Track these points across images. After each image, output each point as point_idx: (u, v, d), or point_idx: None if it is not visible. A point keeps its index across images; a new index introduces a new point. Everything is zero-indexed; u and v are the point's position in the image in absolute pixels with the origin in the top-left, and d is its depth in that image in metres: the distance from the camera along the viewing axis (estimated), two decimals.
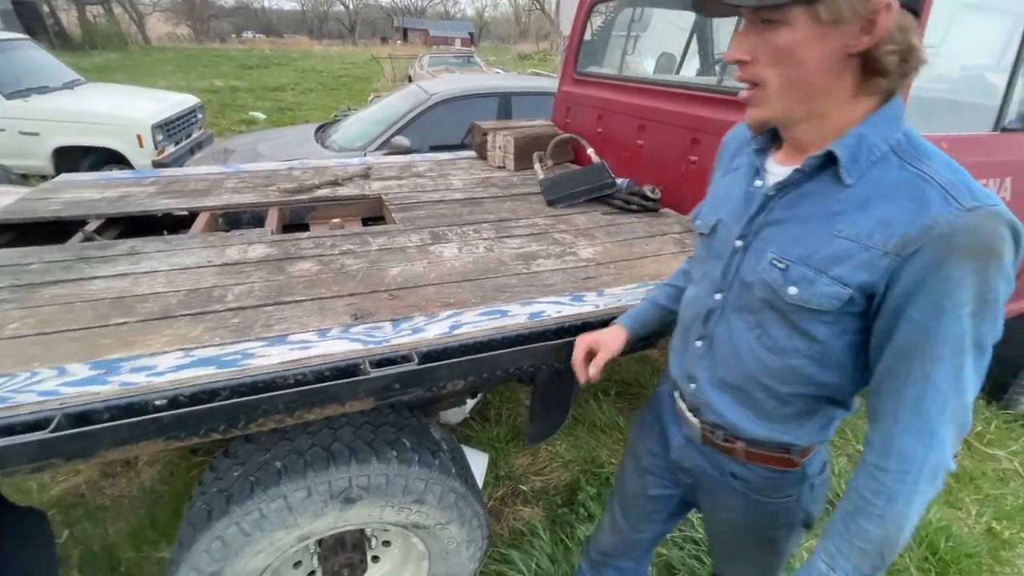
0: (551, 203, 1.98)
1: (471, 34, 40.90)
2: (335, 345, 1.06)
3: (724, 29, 2.43)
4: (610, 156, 2.22)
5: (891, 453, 0.67)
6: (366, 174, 2.36)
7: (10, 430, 0.84)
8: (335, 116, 5.40)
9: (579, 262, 1.53)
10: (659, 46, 2.84)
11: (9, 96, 4.80)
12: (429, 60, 11.88)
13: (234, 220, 1.96)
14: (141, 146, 4.96)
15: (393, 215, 1.88)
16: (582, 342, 1.06)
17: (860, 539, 0.69)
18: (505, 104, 4.01)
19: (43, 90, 5.16)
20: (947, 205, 0.62)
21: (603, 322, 1.21)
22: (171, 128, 5.33)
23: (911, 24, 0.64)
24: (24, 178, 4.63)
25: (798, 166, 0.73)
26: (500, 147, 2.56)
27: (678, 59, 2.68)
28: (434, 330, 1.14)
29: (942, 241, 0.61)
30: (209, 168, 2.47)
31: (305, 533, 1.18)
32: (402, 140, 3.61)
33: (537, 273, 1.45)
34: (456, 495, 1.30)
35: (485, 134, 2.64)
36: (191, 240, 1.59)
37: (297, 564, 1.38)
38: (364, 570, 1.39)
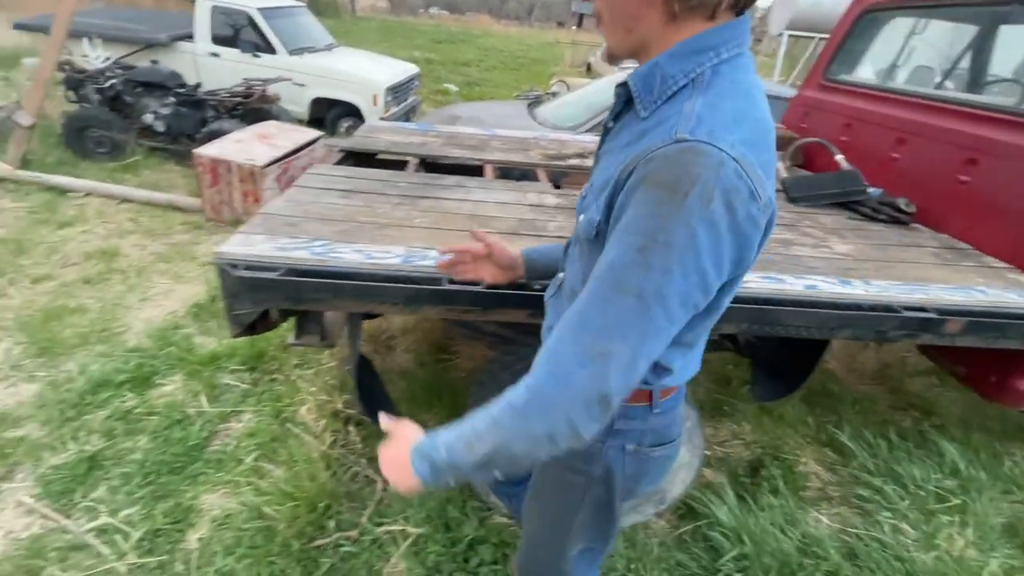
0: (793, 200, 2.11)
1: None
2: None
3: (1007, 46, 2.30)
4: (855, 165, 2.25)
5: (533, 368, 0.64)
6: None
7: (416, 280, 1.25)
8: (517, 96, 5.87)
9: (835, 254, 1.66)
10: (917, 58, 2.73)
11: (291, 52, 5.99)
12: None
13: (505, 174, 2.38)
14: (375, 104, 5.89)
15: None
16: (485, 239, 1.00)
17: (471, 425, 0.66)
18: None
19: (311, 50, 6.33)
20: (667, 135, 0.58)
21: (872, 307, 1.36)
22: (398, 91, 6.23)
23: None
24: None
25: None
26: None
27: (937, 72, 2.57)
28: None
29: (643, 166, 0.58)
30: (472, 129, 2.97)
31: None
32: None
33: (797, 256, 1.61)
34: (691, 422, 1.55)
35: None
36: (496, 183, 2.02)
37: None
38: None
